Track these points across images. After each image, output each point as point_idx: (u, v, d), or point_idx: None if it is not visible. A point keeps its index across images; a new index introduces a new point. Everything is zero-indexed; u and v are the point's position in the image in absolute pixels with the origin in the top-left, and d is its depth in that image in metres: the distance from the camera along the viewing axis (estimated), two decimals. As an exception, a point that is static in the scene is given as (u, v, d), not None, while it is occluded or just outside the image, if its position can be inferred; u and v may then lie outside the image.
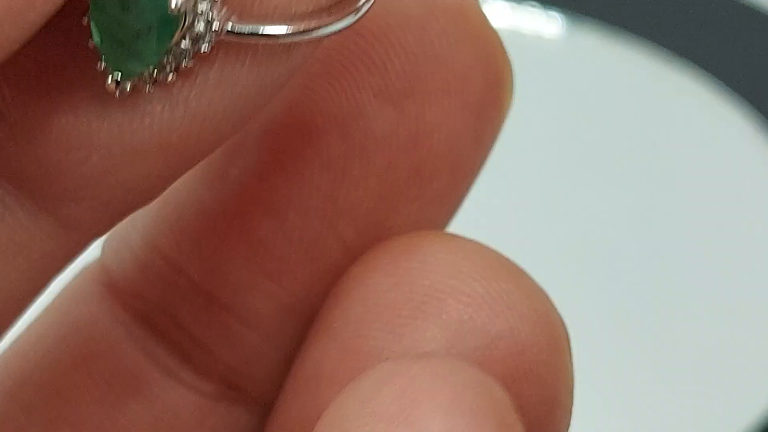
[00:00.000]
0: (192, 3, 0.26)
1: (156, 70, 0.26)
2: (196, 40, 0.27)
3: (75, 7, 0.26)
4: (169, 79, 0.26)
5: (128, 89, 0.27)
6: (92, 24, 0.27)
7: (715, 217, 0.50)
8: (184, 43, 0.27)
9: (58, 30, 0.24)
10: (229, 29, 0.26)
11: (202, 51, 0.26)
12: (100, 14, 0.26)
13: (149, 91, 0.26)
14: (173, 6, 0.26)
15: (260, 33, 0.26)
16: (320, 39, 0.24)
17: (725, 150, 0.52)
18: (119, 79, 0.26)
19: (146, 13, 0.27)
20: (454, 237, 0.25)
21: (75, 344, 0.27)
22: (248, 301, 0.26)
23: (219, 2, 0.26)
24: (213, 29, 0.26)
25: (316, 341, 0.26)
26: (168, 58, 0.26)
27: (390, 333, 0.25)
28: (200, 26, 0.26)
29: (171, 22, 0.26)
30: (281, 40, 0.25)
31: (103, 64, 0.27)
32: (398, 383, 0.22)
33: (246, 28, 0.26)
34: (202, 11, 0.26)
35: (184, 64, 0.27)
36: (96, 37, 0.26)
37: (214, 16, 0.26)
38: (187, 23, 0.26)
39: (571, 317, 0.24)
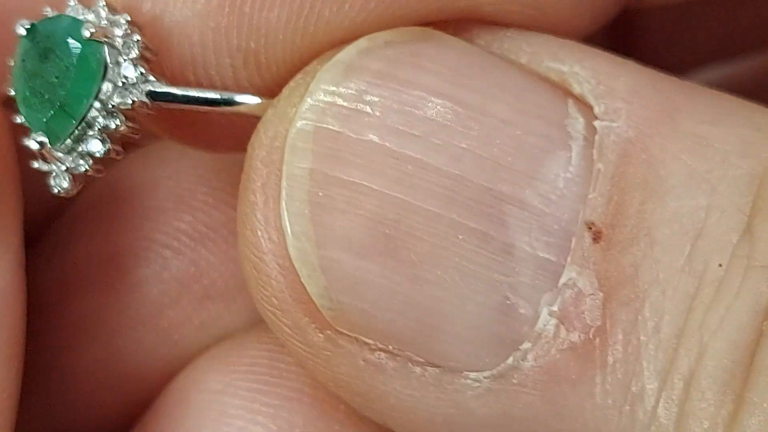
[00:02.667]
0: (117, 25, 0.26)
1: (95, 123, 0.26)
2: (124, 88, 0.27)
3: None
4: (118, 129, 0.26)
5: (68, 151, 0.27)
6: (16, 97, 0.26)
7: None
8: (123, 84, 0.26)
9: None
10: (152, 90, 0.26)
11: (133, 102, 0.26)
12: (20, 82, 0.27)
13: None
14: (86, 35, 0.26)
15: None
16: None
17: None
18: (44, 140, 0.26)
19: (63, 55, 0.27)
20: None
21: None
22: None
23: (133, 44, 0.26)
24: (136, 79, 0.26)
25: None
26: (105, 107, 0.26)
27: None
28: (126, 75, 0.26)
29: (89, 57, 0.26)
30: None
31: (29, 136, 0.27)
32: None
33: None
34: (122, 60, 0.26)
35: (112, 125, 0.27)
36: (20, 107, 0.27)
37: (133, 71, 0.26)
38: (119, 60, 0.26)
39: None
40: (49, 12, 0.28)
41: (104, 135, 0.27)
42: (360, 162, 0.25)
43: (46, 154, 0.27)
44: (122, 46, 0.27)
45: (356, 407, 0.27)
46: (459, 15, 0.27)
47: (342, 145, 0.25)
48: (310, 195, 0.25)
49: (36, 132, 0.27)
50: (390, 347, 0.25)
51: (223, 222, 0.32)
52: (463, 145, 0.25)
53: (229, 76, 0.28)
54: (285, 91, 0.27)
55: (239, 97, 0.27)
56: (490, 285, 0.25)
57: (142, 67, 0.27)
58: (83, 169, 0.27)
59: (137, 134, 0.28)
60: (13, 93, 0.28)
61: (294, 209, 0.25)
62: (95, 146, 0.27)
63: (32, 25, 0.27)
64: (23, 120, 0.28)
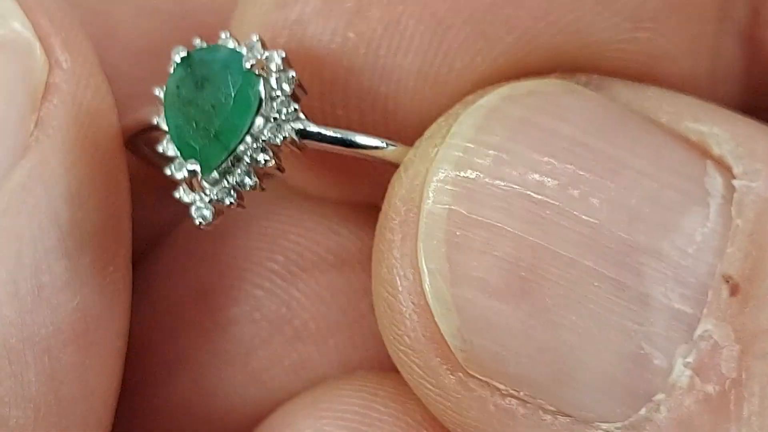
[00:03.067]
0: (274, 60, 0.26)
1: (247, 154, 0.26)
2: (277, 122, 0.27)
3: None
4: (266, 164, 0.26)
5: (215, 185, 0.27)
6: (167, 124, 0.27)
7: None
8: (275, 119, 0.27)
9: None
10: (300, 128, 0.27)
11: (283, 138, 0.27)
12: (172, 109, 0.27)
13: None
14: (247, 66, 0.26)
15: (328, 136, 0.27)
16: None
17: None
18: (196, 169, 0.26)
19: (220, 84, 0.27)
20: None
21: None
22: None
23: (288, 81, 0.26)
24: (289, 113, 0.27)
25: None
26: (256, 142, 0.26)
27: None
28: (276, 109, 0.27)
29: (247, 88, 0.27)
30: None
31: (175, 164, 0.27)
32: None
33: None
34: (276, 105, 0.26)
35: (263, 159, 0.27)
36: (171, 134, 0.27)
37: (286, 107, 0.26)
38: (272, 95, 0.26)
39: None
40: (199, 43, 0.28)
41: (252, 169, 0.27)
42: (498, 205, 0.25)
43: (194, 184, 0.27)
44: (276, 81, 0.27)
45: None
46: (579, 65, 0.28)
47: (481, 187, 0.26)
48: (447, 234, 0.25)
49: (188, 159, 0.27)
50: (521, 393, 0.25)
51: (315, 263, 0.32)
52: (602, 196, 0.25)
53: (356, 120, 0.29)
54: (427, 132, 0.27)
55: (383, 143, 0.28)
56: (624, 334, 0.25)
57: (295, 104, 0.27)
58: (228, 202, 0.27)
59: (282, 171, 0.28)
60: (157, 121, 0.28)
61: (431, 247, 0.26)
62: (244, 180, 0.27)
63: (188, 53, 0.27)
64: (173, 147, 0.28)
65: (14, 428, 0.26)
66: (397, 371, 0.30)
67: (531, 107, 0.26)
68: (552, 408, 0.25)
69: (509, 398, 0.25)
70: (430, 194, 0.26)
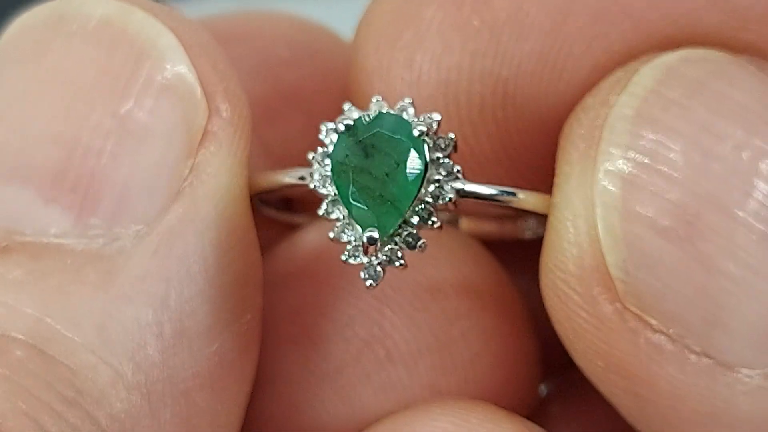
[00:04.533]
0: (431, 137, 0.28)
1: (414, 217, 0.28)
2: (441, 183, 0.28)
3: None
4: (434, 226, 0.28)
5: (382, 247, 0.28)
6: (335, 190, 0.28)
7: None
8: (437, 180, 0.28)
9: None
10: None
11: (447, 200, 0.28)
12: (342, 177, 0.28)
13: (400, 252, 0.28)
14: (416, 134, 0.28)
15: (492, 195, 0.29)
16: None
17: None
18: (376, 236, 0.28)
19: (390, 151, 0.28)
20: None
21: None
22: None
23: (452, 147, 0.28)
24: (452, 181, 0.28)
25: None
26: (420, 204, 0.28)
27: None
28: (440, 174, 0.28)
29: (416, 152, 0.28)
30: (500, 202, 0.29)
31: (349, 231, 0.28)
32: None
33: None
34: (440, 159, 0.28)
35: (435, 211, 0.28)
36: (344, 202, 0.28)
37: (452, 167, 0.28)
38: (432, 158, 0.28)
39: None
40: (348, 107, 0.29)
41: (418, 231, 0.29)
42: (673, 153, 0.27)
43: (370, 250, 0.28)
44: (436, 144, 0.28)
45: (618, 391, 0.28)
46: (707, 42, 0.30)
47: (659, 133, 0.27)
48: (622, 173, 0.27)
49: (366, 228, 0.28)
50: (671, 331, 0.27)
51: (409, 285, 0.33)
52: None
53: (476, 103, 0.30)
54: (606, 81, 0.29)
55: (528, 194, 0.29)
56: None
57: (457, 166, 0.29)
58: (398, 264, 0.29)
59: (441, 229, 0.29)
60: (314, 185, 0.29)
61: (607, 184, 0.27)
62: (415, 242, 0.28)
63: (354, 122, 0.28)
64: (339, 211, 0.29)
65: None
66: (490, 399, 0.32)
67: (706, 70, 0.28)
68: (698, 348, 0.27)
69: (659, 334, 0.27)
70: (609, 135, 0.27)
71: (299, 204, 0.36)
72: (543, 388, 0.37)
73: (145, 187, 0.28)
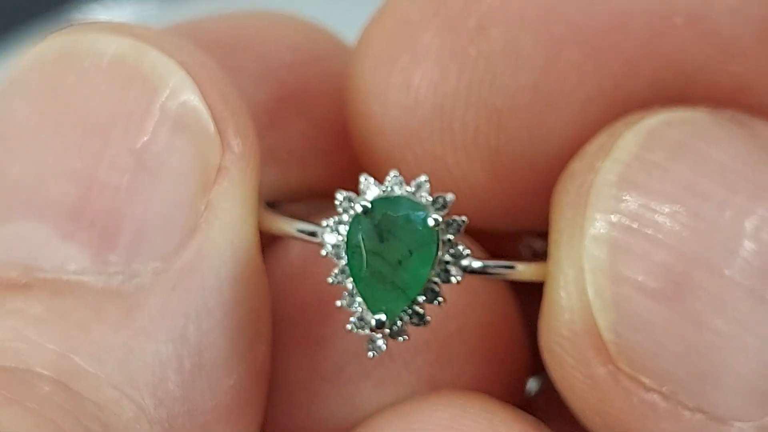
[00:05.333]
0: (444, 223, 0.28)
1: (421, 296, 0.29)
2: (451, 264, 0.29)
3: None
4: (440, 304, 0.29)
5: (393, 331, 0.29)
6: (346, 266, 0.29)
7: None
8: (446, 262, 0.29)
9: None
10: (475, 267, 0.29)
11: (455, 281, 0.29)
12: (356, 258, 0.29)
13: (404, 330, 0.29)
14: (431, 224, 0.28)
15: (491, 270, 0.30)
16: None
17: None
18: (384, 319, 0.28)
19: (404, 239, 0.29)
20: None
21: None
22: None
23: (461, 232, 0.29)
24: (462, 261, 0.29)
25: None
26: (429, 285, 0.29)
27: None
28: (449, 256, 0.29)
29: (429, 242, 0.29)
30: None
31: (359, 314, 0.29)
32: None
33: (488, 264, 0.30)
34: (449, 239, 0.28)
35: (440, 287, 0.29)
36: (356, 284, 0.29)
37: (461, 250, 0.29)
38: (443, 240, 0.28)
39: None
40: (365, 180, 0.29)
41: (424, 308, 0.29)
42: (657, 215, 0.28)
43: (377, 331, 0.29)
44: (447, 225, 0.29)
45: None
46: (675, 91, 0.31)
47: (643, 196, 0.28)
48: (609, 238, 0.28)
49: (376, 311, 0.29)
50: (664, 389, 0.28)
51: None
52: (753, 220, 0.28)
53: (470, 132, 0.31)
54: (590, 148, 0.30)
55: (526, 266, 0.30)
56: (764, 342, 0.28)
57: (467, 249, 0.29)
58: (401, 339, 0.30)
59: (444, 303, 0.30)
60: (336, 258, 0.30)
61: (594, 249, 0.28)
62: (421, 320, 0.29)
63: (372, 203, 0.29)
64: (353, 286, 0.29)
65: None
66: (483, 392, 0.33)
67: (687, 132, 0.29)
68: (691, 404, 0.28)
69: (652, 392, 0.28)
70: (596, 202, 0.28)
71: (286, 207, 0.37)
72: (532, 384, 0.38)
73: (163, 223, 0.28)
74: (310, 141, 0.36)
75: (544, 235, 0.31)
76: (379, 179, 0.30)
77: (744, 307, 0.27)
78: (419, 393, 0.33)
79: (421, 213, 0.29)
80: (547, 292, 0.29)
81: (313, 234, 0.30)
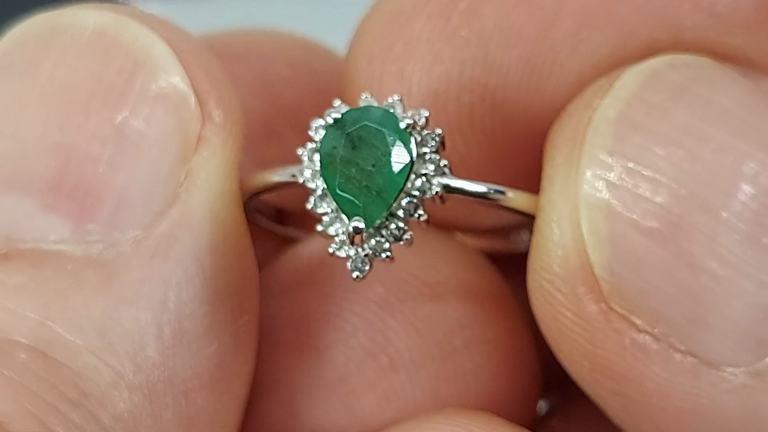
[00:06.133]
0: (419, 119, 0.28)
1: (401, 210, 0.28)
2: (428, 174, 0.28)
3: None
4: (420, 219, 0.28)
5: (368, 239, 0.28)
6: (323, 183, 0.28)
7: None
8: (424, 174, 0.28)
9: None
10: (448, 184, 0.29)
11: (433, 194, 0.28)
12: (330, 169, 0.28)
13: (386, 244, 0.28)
14: (402, 125, 0.28)
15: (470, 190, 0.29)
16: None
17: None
18: (361, 225, 0.28)
19: (377, 144, 0.28)
20: None
21: None
22: None
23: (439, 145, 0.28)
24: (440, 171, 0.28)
25: None
26: (407, 197, 0.28)
27: None
28: (428, 167, 0.28)
29: (403, 144, 0.28)
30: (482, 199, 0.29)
31: (337, 224, 0.29)
32: None
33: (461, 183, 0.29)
34: (426, 154, 0.28)
35: (421, 201, 0.28)
36: (331, 193, 0.28)
37: (440, 163, 0.28)
38: (419, 153, 0.28)
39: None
40: (338, 103, 0.29)
41: (405, 224, 0.29)
42: (655, 156, 0.27)
43: (356, 240, 0.29)
44: (424, 139, 0.29)
45: (604, 392, 0.28)
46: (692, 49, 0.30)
47: (642, 135, 0.27)
48: (606, 176, 0.27)
49: (352, 217, 0.28)
50: (656, 330, 0.27)
51: (413, 295, 0.33)
52: (752, 165, 0.27)
53: (465, 113, 0.31)
54: (590, 88, 0.29)
55: (517, 194, 0.29)
56: (758, 285, 0.27)
57: (444, 160, 0.29)
58: (384, 256, 0.29)
59: (428, 223, 0.29)
60: (302, 180, 0.29)
61: (591, 186, 0.27)
62: (401, 235, 0.29)
63: (341, 115, 0.29)
64: (326, 205, 0.29)
65: None
66: (491, 410, 0.32)
67: (689, 76, 0.28)
68: (682, 347, 0.27)
69: (644, 334, 0.27)
70: (594, 138, 0.28)
71: (292, 217, 0.36)
72: (542, 405, 0.37)
73: (142, 193, 0.28)
74: None
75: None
76: None
77: (740, 251, 0.27)
78: (423, 408, 0.32)
79: (392, 118, 0.28)
80: (539, 227, 0.29)
81: (293, 176, 0.30)
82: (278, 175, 0.30)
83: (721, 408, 0.27)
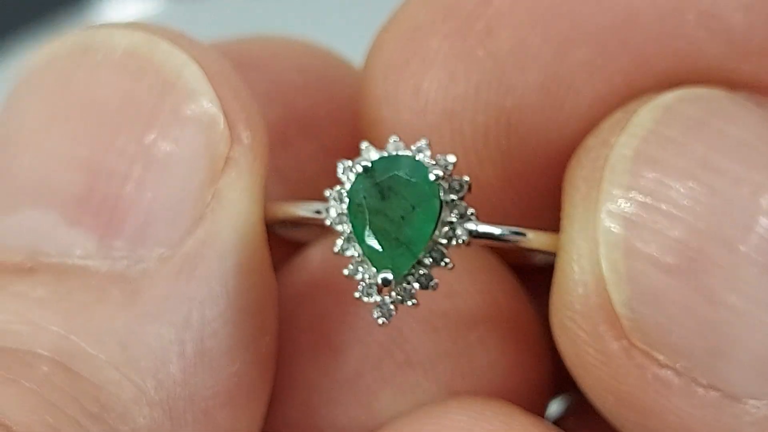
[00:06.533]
0: (446, 181, 0.29)
1: (428, 258, 0.29)
2: (455, 224, 0.29)
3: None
4: (447, 266, 0.29)
5: (397, 288, 0.29)
6: (351, 228, 0.29)
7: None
8: (450, 222, 0.29)
9: None
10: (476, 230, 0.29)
11: (459, 243, 0.29)
12: (358, 217, 0.29)
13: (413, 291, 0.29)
14: (432, 178, 0.28)
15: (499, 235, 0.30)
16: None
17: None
18: (390, 278, 0.28)
19: (406, 194, 0.29)
20: None
21: None
22: None
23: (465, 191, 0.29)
24: (467, 221, 0.29)
25: None
26: (435, 246, 0.29)
27: None
28: (454, 215, 0.29)
29: (431, 197, 0.29)
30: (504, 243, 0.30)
31: (363, 268, 0.29)
32: None
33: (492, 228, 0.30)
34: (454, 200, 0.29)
35: (449, 247, 0.29)
36: (359, 241, 0.29)
37: (465, 210, 0.29)
38: (446, 201, 0.28)
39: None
40: (366, 146, 0.30)
41: (431, 271, 0.29)
42: (672, 191, 0.28)
43: (384, 289, 0.29)
44: (451, 186, 0.29)
45: (629, 424, 0.29)
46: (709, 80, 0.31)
47: (659, 171, 0.28)
48: (624, 213, 0.28)
49: (381, 269, 0.29)
50: (678, 365, 0.28)
51: (430, 294, 0.34)
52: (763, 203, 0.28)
53: (480, 133, 0.31)
54: (606, 123, 0.30)
55: (541, 234, 0.30)
56: None
57: (471, 208, 0.29)
58: (410, 303, 0.29)
59: (452, 269, 0.30)
60: (330, 222, 0.30)
61: (609, 223, 0.28)
62: (428, 283, 0.29)
63: (372, 163, 0.29)
64: (354, 250, 0.29)
65: None
66: (500, 398, 0.32)
67: (702, 109, 0.29)
68: (705, 381, 0.27)
69: (666, 369, 0.28)
70: (611, 176, 0.28)
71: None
72: (554, 407, 0.38)
73: (169, 212, 0.29)
74: (317, 162, 0.36)
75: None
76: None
77: (758, 284, 0.27)
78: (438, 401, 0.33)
79: (421, 169, 0.29)
80: (559, 265, 0.29)
81: (318, 212, 0.30)
82: (303, 210, 0.30)
83: None
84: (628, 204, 0.28)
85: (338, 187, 0.30)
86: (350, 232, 0.29)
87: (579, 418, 0.37)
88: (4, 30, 0.68)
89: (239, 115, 0.30)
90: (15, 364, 0.27)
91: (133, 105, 0.29)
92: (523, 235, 0.30)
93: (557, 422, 0.37)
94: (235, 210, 0.29)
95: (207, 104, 0.29)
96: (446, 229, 0.29)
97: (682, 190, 0.28)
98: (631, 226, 0.28)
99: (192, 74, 0.29)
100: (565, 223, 0.29)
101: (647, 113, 0.29)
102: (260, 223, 0.30)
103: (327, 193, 0.30)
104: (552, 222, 0.31)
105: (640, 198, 0.28)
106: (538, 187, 0.32)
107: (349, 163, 0.30)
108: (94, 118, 0.29)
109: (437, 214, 0.29)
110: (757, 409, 0.27)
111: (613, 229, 0.28)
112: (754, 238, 0.27)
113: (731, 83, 0.31)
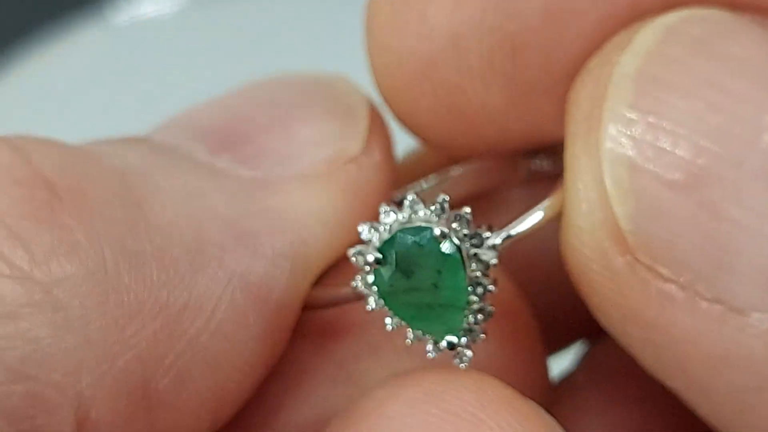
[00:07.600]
0: (444, 204, 0.29)
1: (474, 296, 0.29)
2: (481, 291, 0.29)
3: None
4: (491, 291, 0.29)
5: (469, 338, 0.29)
6: (398, 315, 0.29)
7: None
8: (476, 277, 0.28)
9: None
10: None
11: (493, 262, 0.29)
12: (396, 303, 0.29)
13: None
14: (437, 232, 0.28)
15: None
16: None
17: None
18: (454, 341, 0.28)
19: (425, 264, 0.28)
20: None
21: None
22: None
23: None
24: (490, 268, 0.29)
25: None
26: (471, 286, 0.28)
27: None
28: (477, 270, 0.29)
29: (447, 254, 0.28)
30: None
31: (431, 344, 0.29)
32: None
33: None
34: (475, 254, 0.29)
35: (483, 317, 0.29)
36: (410, 326, 0.29)
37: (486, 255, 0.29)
38: (457, 238, 0.28)
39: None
40: (364, 229, 0.29)
41: (476, 317, 0.29)
42: (675, 109, 0.28)
43: (447, 349, 0.29)
44: (454, 218, 0.29)
45: (634, 341, 0.29)
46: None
47: (662, 89, 0.28)
48: (627, 130, 0.28)
49: (441, 338, 0.29)
50: (682, 279, 0.27)
51: None
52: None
53: (485, 57, 0.31)
54: (609, 43, 0.30)
55: (548, 200, 0.30)
56: None
57: (478, 230, 0.29)
58: (481, 338, 0.29)
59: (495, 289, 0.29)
60: (373, 307, 0.29)
61: (613, 141, 0.28)
62: (485, 316, 0.29)
63: (382, 253, 0.29)
64: (416, 334, 0.29)
65: None
66: (507, 375, 0.31)
67: (706, 29, 0.29)
68: (708, 295, 0.27)
69: (670, 283, 0.27)
70: (614, 94, 0.28)
71: None
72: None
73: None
74: None
75: (552, 152, 0.32)
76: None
77: (762, 197, 0.27)
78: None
79: (425, 233, 0.29)
80: (566, 186, 0.29)
81: (359, 296, 0.30)
82: (344, 297, 0.30)
83: (748, 352, 0.28)
84: (632, 122, 0.28)
85: (360, 276, 0.29)
86: (393, 313, 0.29)
87: (588, 375, 0.37)
88: (20, 31, 0.68)
89: (379, 139, 0.32)
90: None
91: None
92: (540, 211, 0.29)
93: (567, 378, 0.37)
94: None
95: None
96: (473, 264, 0.29)
97: (685, 107, 0.28)
98: (635, 143, 0.28)
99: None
100: (569, 142, 0.29)
101: (650, 33, 0.29)
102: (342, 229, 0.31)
103: (353, 284, 0.29)
104: (556, 140, 0.31)
105: (643, 116, 0.28)
106: (543, 109, 0.32)
107: (359, 250, 0.29)
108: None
109: (461, 261, 0.28)
110: (760, 322, 0.27)
111: (616, 146, 0.28)
112: (757, 153, 0.27)
113: (735, 5, 0.30)
